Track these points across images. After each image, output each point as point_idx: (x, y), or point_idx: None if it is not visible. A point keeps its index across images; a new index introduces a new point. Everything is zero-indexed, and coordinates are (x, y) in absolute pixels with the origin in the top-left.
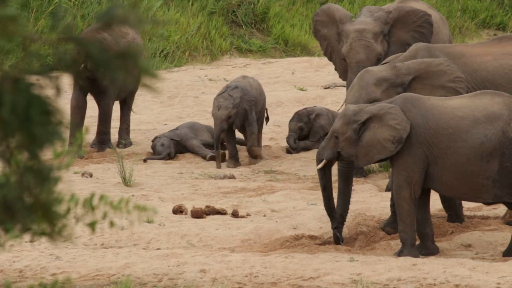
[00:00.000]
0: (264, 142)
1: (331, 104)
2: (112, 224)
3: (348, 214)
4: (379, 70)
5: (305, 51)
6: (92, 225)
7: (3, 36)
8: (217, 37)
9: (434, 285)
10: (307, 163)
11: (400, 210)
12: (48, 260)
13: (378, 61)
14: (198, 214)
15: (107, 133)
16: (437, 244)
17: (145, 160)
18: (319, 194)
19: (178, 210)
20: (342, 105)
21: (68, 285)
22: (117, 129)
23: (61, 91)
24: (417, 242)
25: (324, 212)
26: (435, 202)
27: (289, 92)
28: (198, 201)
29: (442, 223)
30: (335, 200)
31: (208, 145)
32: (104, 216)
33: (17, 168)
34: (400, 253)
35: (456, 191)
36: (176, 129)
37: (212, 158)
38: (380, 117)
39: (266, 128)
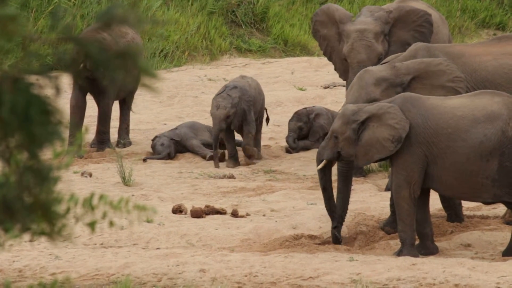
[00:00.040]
0: (263, 142)
1: (330, 103)
2: (111, 223)
3: (347, 214)
4: (379, 70)
5: (305, 51)
6: (91, 225)
7: (3, 35)
8: (217, 37)
9: (434, 284)
10: (306, 163)
11: (399, 209)
12: (47, 259)
13: (379, 61)
14: (197, 213)
15: (107, 132)
16: (437, 243)
17: (144, 160)
18: (318, 193)
19: (177, 210)
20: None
21: (68, 285)
22: (117, 129)
23: (61, 91)
24: (417, 242)
25: (324, 212)
26: (435, 202)
27: (288, 92)
28: (197, 201)
29: (442, 223)
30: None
31: (208, 145)
32: (104, 215)
33: (16, 167)
34: (399, 253)
35: (456, 190)
36: (176, 128)
37: (211, 158)
38: (379, 116)
39: (265, 128)
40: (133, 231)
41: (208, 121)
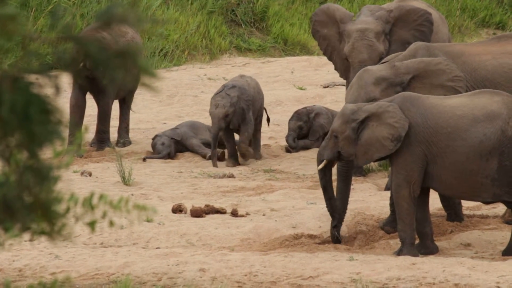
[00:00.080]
0: (263, 141)
1: (330, 103)
2: (111, 223)
3: (347, 213)
4: (378, 70)
5: (304, 50)
6: (91, 224)
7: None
8: (217, 36)
9: (434, 284)
10: (306, 162)
11: (399, 209)
12: (47, 259)
13: (380, 60)
14: (197, 213)
15: (107, 132)
16: (437, 243)
17: (144, 159)
18: (318, 193)
19: (177, 209)
20: None
21: (68, 284)
22: (117, 128)
23: (60, 90)
24: (417, 241)
25: (323, 211)
26: (435, 201)
27: (288, 91)
28: (197, 200)
29: (442, 222)
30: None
31: (208, 144)
32: (104, 215)
33: (16, 167)
34: (399, 252)
35: (455, 190)
36: (177, 128)
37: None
38: (378, 115)
39: (265, 127)
40: (133, 230)
41: (208, 120)
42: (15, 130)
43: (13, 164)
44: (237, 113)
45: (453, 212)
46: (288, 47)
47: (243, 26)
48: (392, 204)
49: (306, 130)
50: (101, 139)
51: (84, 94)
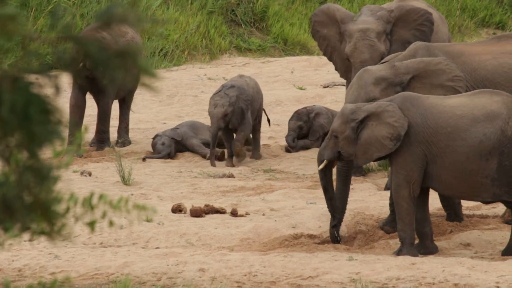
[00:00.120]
0: (263, 141)
1: (330, 103)
2: (111, 223)
3: (347, 213)
4: (378, 69)
5: (304, 50)
6: (91, 224)
7: (3, 35)
8: (216, 36)
9: (433, 284)
10: (306, 162)
11: (399, 209)
12: (47, 259)
13: (381, 60)
14: (197, 213)
15: (106, 132)
16: (436, 243)
17: (144, 159)
18: (318, 193)
19: (177, 209)
20: None
21: (67, 284)
22: (116, 128)
23: (60, 90)
24: (416, 241)
25: (323, 211)
26: (434, 201)
27: (288, 91)
28: (197, 200)
29: (441, 222)
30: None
31: (208, 144)
32: (103, 215)
33: (16, 167)
34: (399, 252)
35: (455, 190)
36: (177, 128)
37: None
38: (377, 115)
39: (265, 127)
40: (132, 230)
41: (207, 120)
42: (15, 130)
43: (13, 164)
44: (236, 112)
45: (453, 212)
46: (288, 47)
47: (243, 26)
48: (391, 204)
49: (306, 130)
50: (101, 139)
51: (84, 94)
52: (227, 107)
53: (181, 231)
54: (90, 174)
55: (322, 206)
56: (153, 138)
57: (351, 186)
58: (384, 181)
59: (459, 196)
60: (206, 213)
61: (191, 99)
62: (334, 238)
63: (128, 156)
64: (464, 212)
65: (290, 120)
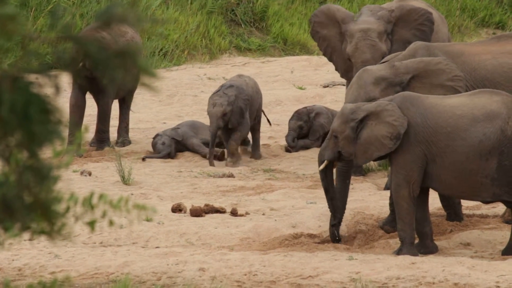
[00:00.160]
0: (263, 141)
1: (330, 102)
2: (111, 222)
3: (347, 213)
4: (378, 69)
5: (304, 49)
6: (91, 224)
7: (2, 34)
8: (216, 36)
9: (433, 283)
10: (306, 162)
11: (399, 208)
12: (47, 258)
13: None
14: (197, 212)
15: (106, 131)
16: (436, 242)
17: (144, 159)
18: (318, 192)
19: (177, 209)
20: None
21: (67, 284)
22: (116, 128)
23: (60, 90)
24: (416, 241)
25: (323, 211)
26: (434, 201)
27: (288, 91)
28: (197, 200)
29: (441, 222)
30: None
31: (208, 144)
32: (103, 214)
33: (16, 166)
34: (399, 252)
35: (455, 189)
36: (178, 127)
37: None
38: (377, 114)
39: (265, 127)
40: (132, 230)
41: (207, 120)
42: (15, 130)
43: (13, 164)
44: (235, 112)
45: (453, 212)
46: (288, 46)
47: (242, 26)
48: (391, 204)
49: (306, 129)
50: (101, 138)
51: (84, 94)
52: (225, 107)
53: (181, 230)
54: (90, 174)
55: (322, 205)
56: (154, 138)
57: (351, 186)
58: (384, 181)
59: (459, 195)
60: (206, 213)
61: (191, 99)
62: (334, 237)
63: (128, 156)
64: (464, 211)
65: (290, 119)
